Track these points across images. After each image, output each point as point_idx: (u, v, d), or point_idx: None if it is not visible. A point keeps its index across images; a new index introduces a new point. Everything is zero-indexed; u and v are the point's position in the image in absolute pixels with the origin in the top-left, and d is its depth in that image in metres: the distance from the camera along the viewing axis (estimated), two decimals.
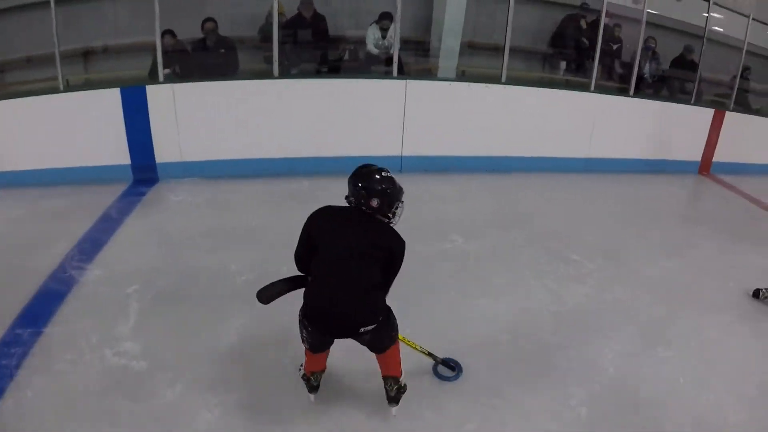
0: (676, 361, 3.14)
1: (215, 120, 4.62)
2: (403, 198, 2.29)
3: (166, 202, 4.37)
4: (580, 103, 5.53)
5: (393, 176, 2.27)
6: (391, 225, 2.25)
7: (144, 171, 4.52)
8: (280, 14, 4.89)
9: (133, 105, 4.27)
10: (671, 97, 6.34)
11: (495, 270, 3.79)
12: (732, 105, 6.26)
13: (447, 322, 3.11)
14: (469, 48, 6.05)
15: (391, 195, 2.21)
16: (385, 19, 5.46)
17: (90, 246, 3.54)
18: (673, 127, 5.96)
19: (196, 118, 4.55)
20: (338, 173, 4.97)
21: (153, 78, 4.40)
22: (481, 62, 6.16)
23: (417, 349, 2.66)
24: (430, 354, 2.69)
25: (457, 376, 2.71)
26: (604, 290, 3.76)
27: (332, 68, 5.60)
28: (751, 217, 5.66)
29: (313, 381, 2.42)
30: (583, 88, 5.61)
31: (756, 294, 3.83)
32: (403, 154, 5.22)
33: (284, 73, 4.77)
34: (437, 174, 5.27)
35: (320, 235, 2.19)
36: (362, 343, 2.26)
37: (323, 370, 2.45)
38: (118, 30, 4.94)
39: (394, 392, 2.35)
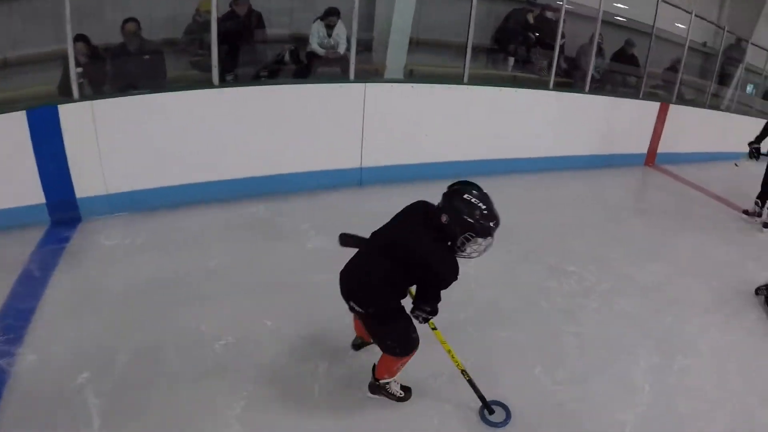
0: (696, 368, 3.26)
1: (145, 141, 3.96)
2: (489, 238, 2.16)
3: (97, 247, 3.64)
4: (541, 101, 5.53)
5: (487, 208, 2.12)
6: (455, 252, 2.18)
7: (63, 209, 3.75)
8: (208, 12, 4.26)
9: (43, 129, 3.49)
10: (614, 92, 6.57)
11: (503, 296, 3.61)
12: (674, 97, 6.61)
13: (477, 363, 2.81)
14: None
15: (467, 224, 2.10)
16: (331, 15, 5.07)
17: (14, 320, 2.80)
18: (622, 121, 6.17)
19: (121, 139, 3.86)
20: (295, 192, 4.60)
21: (65, 94, 3.64)
22: (423, 60, 5.95)
23: (460, 368, 2.56)
24: (472, 383, 2.57)
25: (506, 422, 2.55)
26: (610, 303, 3.76)
27: (273, 72, 5.08)
28: (703, 207, 6.06)
29: (355, 339, 2.87)
30: (542, 86, 5.60)
31: (758, 291, 4.13)
32: (363, 166, 4.85)
33: (220, 80, 4.18)
34: (400, 185, 4.95)
35: (393, 216, 2.32)
36: None
37: (361, 338, 2.81)
38: (15, 39, 4.03)
39: (371, 382, 2.57)
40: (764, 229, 5.52)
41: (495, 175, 5.47)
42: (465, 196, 2.13)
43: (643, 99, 6.37)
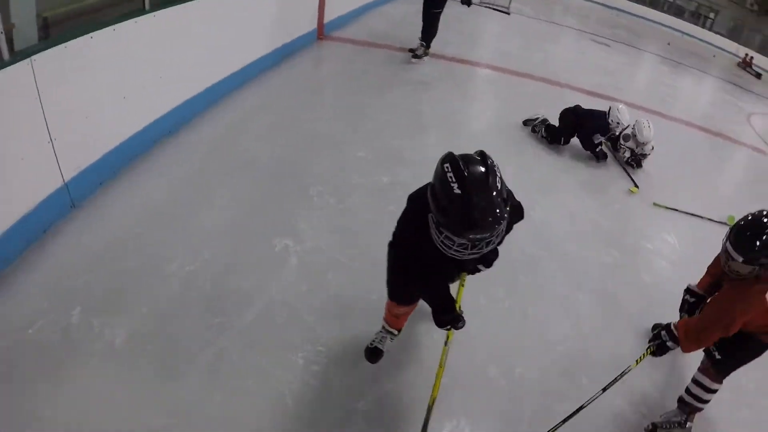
0: (552, 216, 3.95)
1: None
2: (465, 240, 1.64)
3: None
4: (214, 11, 4.39)
5: (462, 196, 1.57)
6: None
7: None
8: None
9: None
10: None
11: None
12: None
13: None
14: None
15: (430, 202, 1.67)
16: None
17: None
18: (288, 4, 5.65)
19: None
20: None
21: None
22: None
23: (433, 396, 2.13)
24: (427, 419, 2.10)
25: None
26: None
27: None
28: (394, 62, 6.39)
29: None
30: None
31: (525, 123, 5.18)
32: (67, 180, 3.20)
33: None
34: (121, 181, 3.48)
35: None
36: None
37: None
38: None
39: None
40: (413, 60, 6.35)
41: (209, 109, 4.46)
42: (445, 165, 1.62)
43: None
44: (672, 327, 2.29)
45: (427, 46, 6.45)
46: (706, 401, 2.44)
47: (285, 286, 2.80)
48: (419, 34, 6.40)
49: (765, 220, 2.09)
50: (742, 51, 16.69)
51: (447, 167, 1.59)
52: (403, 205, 1.89)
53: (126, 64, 3.46)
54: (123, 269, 2.76)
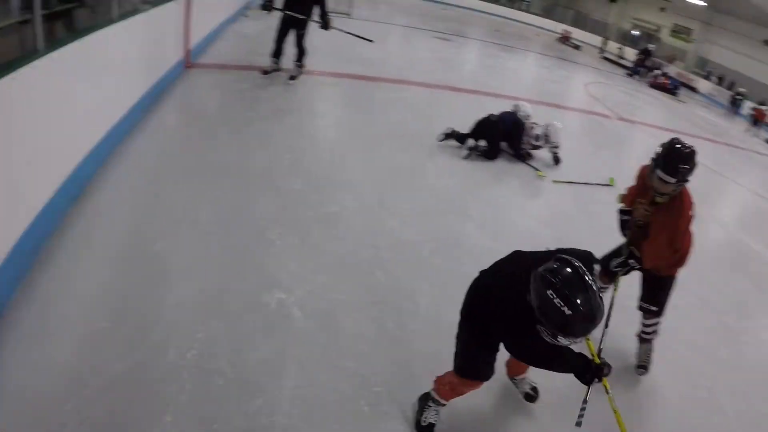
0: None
1: None
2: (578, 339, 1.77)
3: None
4: (95, 49, 3.74)
5: (570, 310, 1.68)
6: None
7: None
8: None
9: None
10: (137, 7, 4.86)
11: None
12: None
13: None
14: None
15: (541, 319, 1.77)
16: None
17: None
18: (157, 36, 5.14)
19: None
20: None
21: None
22: None
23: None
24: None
25: None
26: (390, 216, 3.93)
27: None
28: (274, 82, 6.22)
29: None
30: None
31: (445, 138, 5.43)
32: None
33: None
34: (46, 265, 2.86)
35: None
36: None
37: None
38: None
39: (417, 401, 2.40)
40: (290, 81, 6.33)
41: (109, 163, 3.87)
42: (548, 292, 1.71)
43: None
44: (636, 255, 2.82)
45: (302, 65, 6.40)
46: (657, 329, 2.97)
47: (303, 340, 2.64)
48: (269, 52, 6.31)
49: (678, 146, 2.59)
50: (559, 27, 19.32)
51: (551, 294, 1.69)
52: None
53: (27, 120, 2.86)
54: (112, 379, 2.27)
